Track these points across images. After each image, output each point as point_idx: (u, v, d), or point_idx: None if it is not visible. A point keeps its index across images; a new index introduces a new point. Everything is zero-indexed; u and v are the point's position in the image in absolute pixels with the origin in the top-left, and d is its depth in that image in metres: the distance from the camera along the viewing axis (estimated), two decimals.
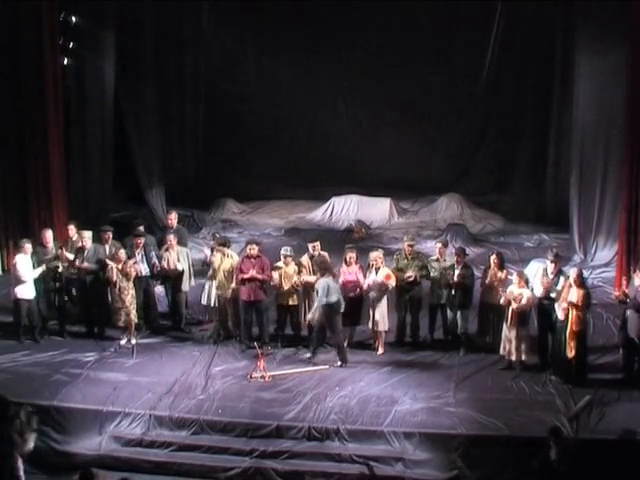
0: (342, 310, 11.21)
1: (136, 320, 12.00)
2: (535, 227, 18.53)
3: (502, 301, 10.87)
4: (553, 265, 10.96)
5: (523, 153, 20.62)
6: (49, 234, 12.51)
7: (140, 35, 18.64)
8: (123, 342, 11.92)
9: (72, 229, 12.95)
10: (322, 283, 11.16)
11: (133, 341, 11.88)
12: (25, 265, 11.85)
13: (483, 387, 10.52)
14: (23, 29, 14.79)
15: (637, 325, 10.34)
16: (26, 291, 11.86)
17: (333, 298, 11.09)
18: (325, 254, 11.93)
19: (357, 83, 21.47)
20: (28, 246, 11.99)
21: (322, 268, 11.40)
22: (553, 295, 10.70)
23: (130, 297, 11.82)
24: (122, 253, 11.92)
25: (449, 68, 21.01)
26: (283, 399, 10.23)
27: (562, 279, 10.73)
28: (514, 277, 11.03)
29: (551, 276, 10.88)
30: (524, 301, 10.72)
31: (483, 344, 11.55)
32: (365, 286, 11.57)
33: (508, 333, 10.84)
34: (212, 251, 12.29)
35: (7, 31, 14.79)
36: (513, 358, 10.84)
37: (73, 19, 16.35)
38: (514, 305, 10.70)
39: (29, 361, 11.40)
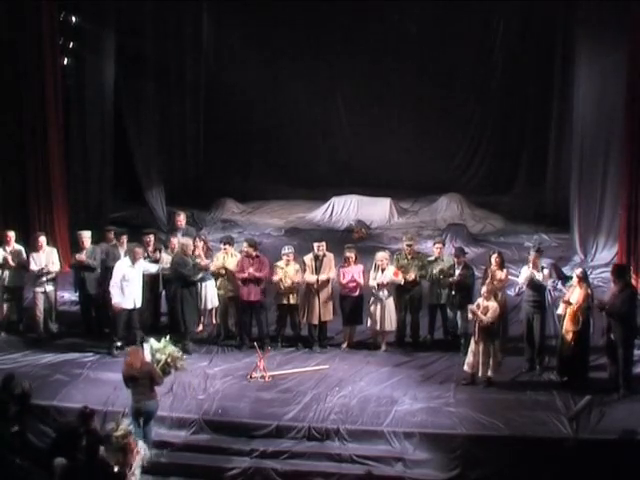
0: None
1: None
2: (535, 227, 18.51)
3: (469, 314, 10.52)
4: (533, 259, 10.92)
5: (523, 153, 20.67)
6: (190, 242, 11.89)
7: (140, 35, 18.63)
8: (119, 344, 11.64)
9: (12, 236, 12.30)
10: None
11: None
12: (126, 271, 11.35)
13: (483, 387, 10.50)
14: (23, 29, 14.79)
15: (618, 331, 10.16)
16: (127, 301, 11.40)
17: None
18: (331, 255, 11.94)
19: (357, 83, 21.49)
20: (139, 250, 11.55)
21: None
22: (539, 277, 10.67)
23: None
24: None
25: (448, 68, 21.04)
26: (283, 399, 10.23)
27: (546, 271, 10.81)
28: (482, 289, 10.66)
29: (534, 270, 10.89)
30: (489, 314, 10.32)
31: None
32: (376, 285, 11.57)
33: (474, 347, 10.42)
34: None
35: (7, 31, 14.78)
36: (479, 374, 10.43)
37: (73, 19, 16.32)
38: (478, 319, 10.32)
39: (29, 361, 11.40)
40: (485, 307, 10.40)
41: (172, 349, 10.17)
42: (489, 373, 10.40)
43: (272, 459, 9.42)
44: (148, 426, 9.32)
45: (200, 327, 12.39)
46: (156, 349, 10.07)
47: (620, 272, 10.56)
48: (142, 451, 8.34)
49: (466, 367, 10.50)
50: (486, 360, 10.35)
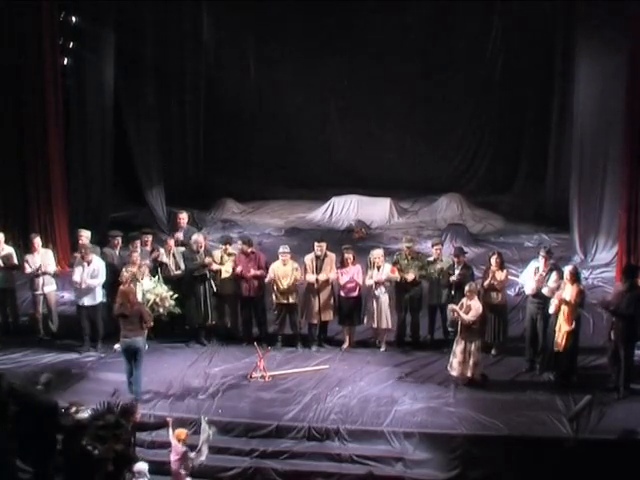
0: None
1: None
2: (535, 227, 18.51)
3: (454, 313, 10.51)
4: (544, 261, 10.93)
5: (523, 153, 20.64)
6: (201, 238, 12.08)
7: (140, 35, 18.63)
8: (117, 346, 11.30)
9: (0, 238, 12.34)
10: None
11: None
12: (79, 273, 11.59)
13: (483, 387, 10.51)
14: (23, 29, 14.79)
15: (621, 330, 10.15)
16: (88, 298, 11.65)
17: None
18: (332, 255, 11.93)
19: (357, 83, 21.47)
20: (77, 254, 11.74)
21: None
22: (545, 291, 10.65)
23: None
24: (136, 256, 11.67)
25: (449, 68, 21.02)
26: (283, 399, 10.24)
27: (554, 275, 10.69)
28: (466, 289, 10.62)
29: (543, 273, 10.85)
30: (471, 313, 10.35)
31: (483, 344, 11.52)
32: (372, 283, 11.57)
33: (455, 346, 10.47)
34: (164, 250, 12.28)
35: (7, 31, 14.78)
36: (454, 373, 10.47)
37: (73, 19, 16.32)
38: (460, 317, 10.34)
39: (29, 361, 11.41)
40: (468, 306, 10.42)
41: (161, 290, 10.98)
42: (468, 373, 10.41)
43: (272, 459, 9.43)
44: (138, 370, 10.01)
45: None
46: (146, 289, 10.88)
47: (631, 272, 10.53)
48: (208, 430, 8.68)
49: (450, 371, 10.52)
50: (465, 359, 10.38)
